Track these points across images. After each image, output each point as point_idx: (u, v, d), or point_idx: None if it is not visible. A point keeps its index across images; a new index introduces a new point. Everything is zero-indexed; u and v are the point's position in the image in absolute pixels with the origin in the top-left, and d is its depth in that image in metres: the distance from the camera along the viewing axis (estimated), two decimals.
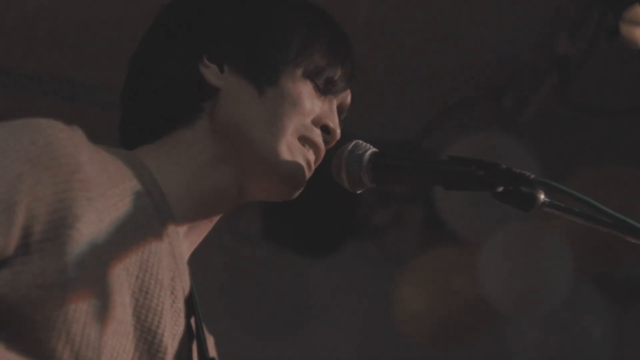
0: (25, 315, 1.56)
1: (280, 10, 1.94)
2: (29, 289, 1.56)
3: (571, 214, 1.74)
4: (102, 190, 1.67)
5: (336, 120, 1.95)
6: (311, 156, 1.91)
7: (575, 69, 4.35)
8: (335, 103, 1.96)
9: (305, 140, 1.90)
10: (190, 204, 1.84)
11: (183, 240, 1.84)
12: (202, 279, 1.87)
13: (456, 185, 1.79)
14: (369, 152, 1.88)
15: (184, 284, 1.81)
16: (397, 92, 4.77)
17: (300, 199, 1.94)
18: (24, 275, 1.56)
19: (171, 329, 1.76)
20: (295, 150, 1.88)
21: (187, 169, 1.85)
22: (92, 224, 1.62)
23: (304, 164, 1.89)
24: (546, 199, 1.73)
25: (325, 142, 1.93)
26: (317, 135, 1.91)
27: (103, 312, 1.62)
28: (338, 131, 1.95)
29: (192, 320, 1.84)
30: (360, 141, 1.91)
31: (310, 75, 1.91)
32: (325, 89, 1.94)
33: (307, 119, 1.90)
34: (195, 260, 1.88)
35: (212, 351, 1.91)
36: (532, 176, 1.73)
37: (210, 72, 1.89)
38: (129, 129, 1.94)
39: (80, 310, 1.59)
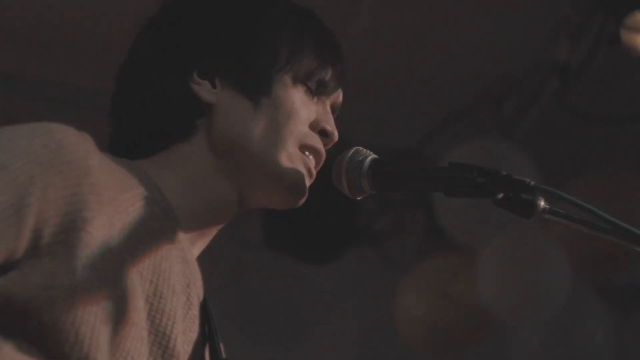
0: (34, 316, 1.56)
1: (264, 19, 1.93)
2: (38, 290, 1.56)
3: (571, 221, 1.74)
4: (112, 195, 1.68)
5: (332, 121, 1.95)
6: (312, 163, 1.91)
7: (576, 76, 4.36)
8: (328, 104, 1.96)
9: (305, 147, 1.90)
10: (194, 213, 1.84)
11: (191, 247, 1.85)
12: (203, 285, 1.87)
13: (457, 192, 1.79)
14: (370, 158, 1.89)
15: (198, 291, 1.82)
16: (397, 100, 4.77)
17: (301, 205, 1.94)
18: (33, 277, 1.57)
19: (185, 335, 1.77)
20: (296, 159, 1.88)
21: (188, 181, 1.85)
22: (103, 228, 1.63)
23: (305, 172, 1.89)
24: (546, 206, 1.73)
25: (324, 144, 1.93)
26: (316, 141, 1.91)
27: (115, 315, 1.62)
28: (336, 133, 1.94)
29: (206, 326, 1.84)
30: (361, 148, 1.91)
31: (302, 80, 1.91)
32: (317, 91, 1.93)
33: (305, 126, 1.90)
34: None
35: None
36: (533, 183, 1.73)
37: (203, 89, 1.88)
38: (122, 144, 1.92)
39: (90, 312, 1.59)
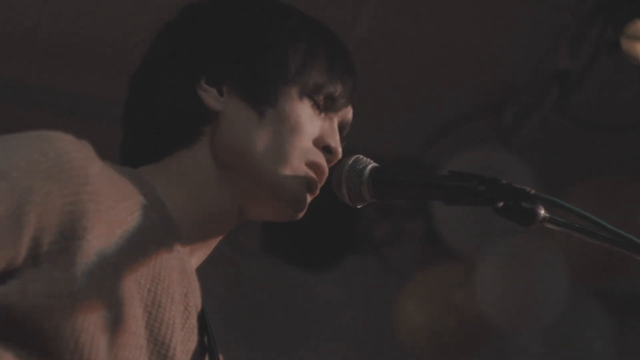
0: (33, 325, 1.57)
1: (277, 28, 1.92)
2: (37, 299, 1.56)
3: (571, 230, 1.74)
4: (111, 203, 1.68)
5: (337, 138, 1.93)
6: (314, 179, 1.89)
7: (576, 84, 4.36)
8: (336, 120, 1.94)
9: (310, 164, 1.88)
10: (194, 223, 1.83)
11: (190, 257, 1.85)
12: (202, 293, 1.87)
13: (457, 200, 1.79)
14: (370, 166, 1.88)
15: (197, 300, 1.82)
16: (398, 107, 4.78)
17: None
18: (33, 285, 1.57)
19: (184, 345, 1.77)
20: (299, 173, 1.87)
21: (189, 190, 1.84)
22: (102, 236, 1.63)
23: (306, 187, 1.88)
24: (547, 215, 1.73)
25: (327, 161, 1.91)
26: (320, 157, 1.89)
27: (113, 324, 1.63)
28: (339, 150, 1.92)
29: (205, 336, 1.84)
30: (361, 156, 1.90)
31: (309, 94, 1.89)
32: (325, 106, 1.92)
33: (308, 142, 1.88)
34: (196, 274, 1.88)
35: None
36: (533, 192, 1.73)
37: (209, 96, 1.87)
38: (130, 149, 1.93)
39: (89, 320, 1.59)
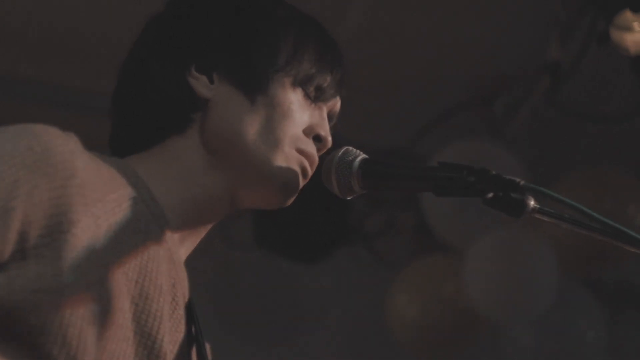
0: (21, 320, 1.57)
1: (268, 18, 1.93)
2: (24, 294, 1.56)
3: (561, 220, 1.75)
4: (98, 196, 1.67)
5: (327, 128, 1.95)
6: (307, 164, 1.90)
7: (566, 74, 4.36)
8: (325, 110, 1.96)
9: (300, 152, 1.89)
10: (183, 212, 1.84)
11: (179, 247, 1.84)
12: (192, 284, 1.87)
13: (446, 191, 1.80)
14: (359, 158, 1.89)
15: (184, 291, 1.82)
16: (387, 98, 4.77)
17: (291, 205, 1.94)
18: (20, 280, 1.57)
19: (171, 335, 1.77)
20: (291, 159, 1.87)
21: (179, 178, 1.85)
22: (89, 229, 1.63)
23: (299, 171, 1.89)
24: (536, 205, 1.73)
25: (317, 149, 1.93)
26: (310, 146, 1.91)
27: (101, 317, 1.63)
28: (329, 139, 1.94)
29: (192, 327, 1.84)
30: (351, 147, 1.91)
31: (300, 83, 1.91)
32: (315, 97, 1.93)
33: (299, 130, 1.89)
34: (186, 266, 1.88)
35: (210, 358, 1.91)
36: (522, 182, 1.73)
37: (200, 84, 1.88)
38: (120, 138, 1.93)
39: (77, 314, 1.59)
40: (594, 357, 4.93)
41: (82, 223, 1.62)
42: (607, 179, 4.68)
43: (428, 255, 5.02)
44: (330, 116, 1.99)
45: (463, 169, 1.78)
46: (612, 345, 5.08)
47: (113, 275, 1.66)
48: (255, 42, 1.91)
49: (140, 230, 1.74)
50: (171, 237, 1.81)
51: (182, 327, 1.80)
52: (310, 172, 1.92)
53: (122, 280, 1.68)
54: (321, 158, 1.94)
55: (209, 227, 1.91)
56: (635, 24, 3.87)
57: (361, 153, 1.90)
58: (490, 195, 1.74)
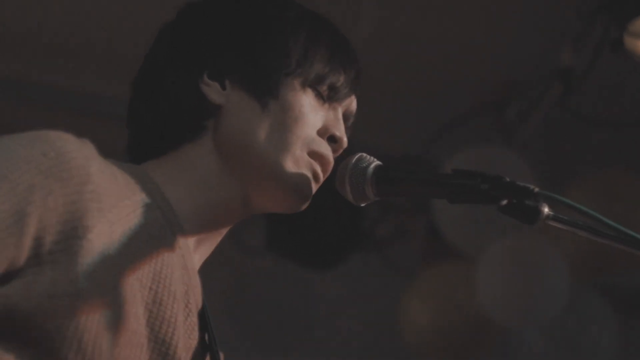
0: (36, 325, 1.57)
1: (277, 20, 1.93)
2: (40, 299, 1.57)
3: (575, 228, 1.74)
4: (113, 202, 1.68)
5: (342, 128, 1.93)
6: (319, 169, 1.90)
7: (579, 81, 4.35)
8: (340, 110, 1.95)
9: (312, 154, 1.88)
10: (198, 218, 1.84)
11: (193, 254, 1.85)
12: (205, 291, 1.87)
13: (460, 198, 1.79)
14: (373, 165, 1.88)
15: (197, 298, 1.82)
16: (401, 105, 4.77)
17: (304, 211, 1.94)
18: (35, 286, 1.57)
19: (185, 342, 1.77)
20: (303, 163, 1.87)
21: (193, 184, 1.85)
22: (103, 235, 1.63)
23: (310, 176, 1.88)
24: (550, 212, 1.72)
25: (333, 150, 1.92)
26: (324, 147, 1.90)
27: (116, 323, 1.63)
28: (345, 139, 1.93)
29: (205, 334, 1.84)
30: (364, 154, 1.90)
31: (311, 84, 1.90)
32: (328, 97, 1.92)
33: (312, 132, 1.89)
34: (199, 273, 1.88)
35: None
36: (536, 189, 1.72)
37: (212, 90, 1.88)
38: (136, 146, 1.94)
39: (92, 320, 1.60)
40: None
41: (97, 229, 1.63)
42: (619, 184, 4.67)
43: (440, 261, 5.01)
44: (346, 116, 1.97)
45: (477, 176, 1.77)
46: (625, 351, 5.07)
47: (127, 281, 1.66)
48: (265, 46, 1.90)
49: (154, 236, 1.74)
50: (185, 244, 1.81)
51: (195, 334, 1.80)
52: (322, 176, 1.91)
53: (136, 286, 1.68)
54: (336, 161, 1.93)
55: (223, 232, 1.91)
56: None
57: (375, 159, 1.89)
58: (505, 202, 1.74)
